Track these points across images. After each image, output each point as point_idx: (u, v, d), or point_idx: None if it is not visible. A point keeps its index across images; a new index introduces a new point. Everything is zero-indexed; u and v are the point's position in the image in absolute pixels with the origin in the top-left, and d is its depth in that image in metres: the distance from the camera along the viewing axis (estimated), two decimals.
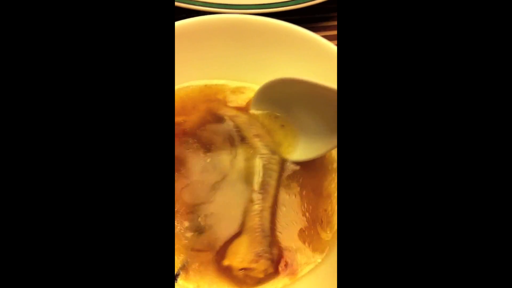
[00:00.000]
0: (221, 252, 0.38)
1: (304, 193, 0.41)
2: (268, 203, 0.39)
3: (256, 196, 0.39)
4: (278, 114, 0.44)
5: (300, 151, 0.42)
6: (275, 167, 0.41)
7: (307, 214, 0.40)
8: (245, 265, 0.36)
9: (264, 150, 0.41)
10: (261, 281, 0.37)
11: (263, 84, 0.41)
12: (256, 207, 0.39)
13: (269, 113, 0.44)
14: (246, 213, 0.39)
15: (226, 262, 0.36)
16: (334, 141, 0.38)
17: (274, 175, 0.40)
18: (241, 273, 0.36)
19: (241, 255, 0.36)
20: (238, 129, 0.42)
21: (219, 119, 0.43)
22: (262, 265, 0.36)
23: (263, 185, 0.39)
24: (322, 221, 0.40)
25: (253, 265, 0.36)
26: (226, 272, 0.37)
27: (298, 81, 0.37)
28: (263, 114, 0.44)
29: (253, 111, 0.44)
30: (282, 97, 0.41)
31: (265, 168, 0.40)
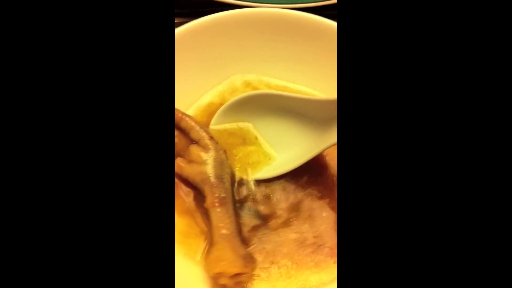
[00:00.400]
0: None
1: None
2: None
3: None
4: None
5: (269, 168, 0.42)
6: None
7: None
8: (237, 270, 0.33)
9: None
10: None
11: (231, 100, 0.41)
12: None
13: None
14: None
15: (216, 270, 0.33)
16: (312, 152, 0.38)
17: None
18: (233, 280, 0.33)
19: (227, 261, 0.33)
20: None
21: None
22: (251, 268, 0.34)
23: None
24: None
25: (245, 269, 0.33)
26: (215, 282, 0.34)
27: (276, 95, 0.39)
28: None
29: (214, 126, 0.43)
30: (251, 111, 0.42)
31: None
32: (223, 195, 0.38)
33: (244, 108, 0.42)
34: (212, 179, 0.39)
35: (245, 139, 0.43)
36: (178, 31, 0.42)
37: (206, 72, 0.46)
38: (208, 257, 0.34)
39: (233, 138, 0.43)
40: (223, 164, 0.40)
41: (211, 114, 0.44)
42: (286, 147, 0.42)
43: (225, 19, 0.43)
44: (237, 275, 0.33)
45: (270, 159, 0.42)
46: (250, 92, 0.42)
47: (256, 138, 0.43)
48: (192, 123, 0.41)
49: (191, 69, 0.44)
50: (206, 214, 0.38)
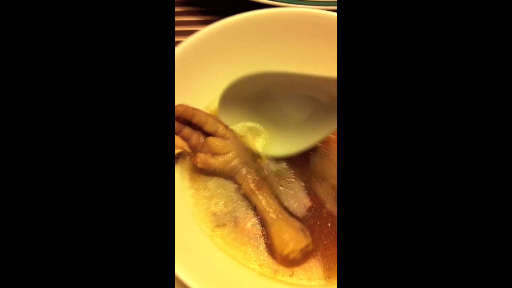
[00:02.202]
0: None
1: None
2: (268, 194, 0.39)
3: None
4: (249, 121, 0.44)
5: (280, 146, 0.43)
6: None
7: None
8: (304, 244, 0.35)
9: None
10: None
11: (229, 84, 0.40)
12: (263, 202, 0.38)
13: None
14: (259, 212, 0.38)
15: (287, 251, 0.35)
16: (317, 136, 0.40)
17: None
18: (301, 253, 0.36)
19: (293, 240, 0.35)
20: None
21: None
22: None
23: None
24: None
25: (308, 239, 0.36)
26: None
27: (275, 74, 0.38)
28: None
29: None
30: (251, 96, 0.41)
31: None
32: (257, 178, 0.39)
33: (245, 91, 0.42)
34: (241, 166, 0.40)
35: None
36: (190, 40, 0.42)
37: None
38: (274, 243, 0.36)
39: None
40: (246, 149, 0.41)
41: None
42: (292, 128, 0.43)
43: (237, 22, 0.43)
44: (304, 248, 0.36)
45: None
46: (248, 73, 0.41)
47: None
48: (205, 116, 0.41)
49: (204, 72, 0.44)
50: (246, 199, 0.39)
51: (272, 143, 0.43)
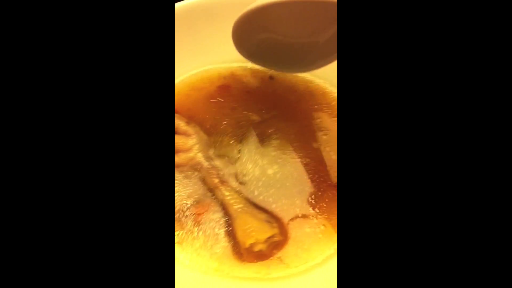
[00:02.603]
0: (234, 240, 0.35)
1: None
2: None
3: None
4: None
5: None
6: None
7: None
8: (267, 234, 0.34)
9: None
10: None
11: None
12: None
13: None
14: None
15: (250, 241, 0.34)
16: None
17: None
18: (266, 244, 0.34)
19: (255, 229, 0.34)
20: None
21: None
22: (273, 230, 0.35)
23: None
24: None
25: (274, 230, 0.34)
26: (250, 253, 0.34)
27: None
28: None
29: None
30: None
31: None
32: (221, 173, 0.38)
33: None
34: (204, 162, 0.39)
35: None
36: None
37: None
38: (237, 234, 0.35)
39: None
40: (208, 144, 0.40)
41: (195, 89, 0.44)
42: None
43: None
44: (268, 238, 0.34)
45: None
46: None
47: None
48: None
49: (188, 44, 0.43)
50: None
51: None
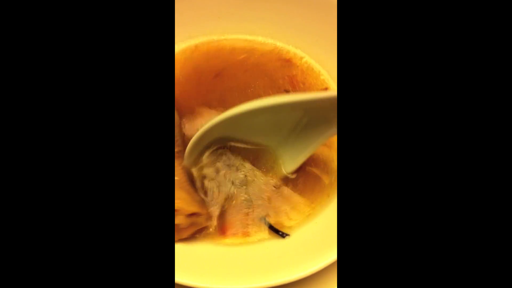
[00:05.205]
0: None
1: None
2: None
3: None
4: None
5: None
6: None
7: None
8: (193, 209, 0.36)
9: None
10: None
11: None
12: None
13: None
14: None
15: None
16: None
17: None
18: (187, 220, 0.35)
19: (183, 199, 0.35)
20: None
21: None
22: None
23: None
24: None
25: (200, 210, 0.36)
26: None
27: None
28: None
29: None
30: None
31: None
32: (178, 149, 0.41)
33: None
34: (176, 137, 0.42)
35: None
36: None
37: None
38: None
39: None
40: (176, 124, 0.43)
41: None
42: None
43: None
44: (192, 215, 0.35)
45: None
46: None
47: None
48: None
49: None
50: None
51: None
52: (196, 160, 0.40)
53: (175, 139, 0.40)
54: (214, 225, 0.38)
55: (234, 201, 0.39)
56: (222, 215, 0.38)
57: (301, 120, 0.36)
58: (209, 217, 0.38)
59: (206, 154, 0.40)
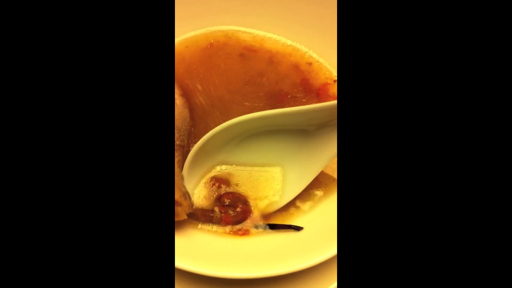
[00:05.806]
0: None
1: None
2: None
3: None
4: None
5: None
6: None
7: None
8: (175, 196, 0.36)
9: None
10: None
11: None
12: None
13: None
14: None
15: None
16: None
17: None
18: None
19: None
20: None
21: None
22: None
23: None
24: None
25: (182, 201, 0.37)
26: None
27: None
28: None
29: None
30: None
31: None
32: (178, 142, 0.44)
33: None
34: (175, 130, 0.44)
35: None
36: None
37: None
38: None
39: None
40: (185, 120, 0.48)
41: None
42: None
43: None
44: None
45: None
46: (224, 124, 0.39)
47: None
48: None
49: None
50: None
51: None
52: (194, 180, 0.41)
53: (180, 133, 0.42)
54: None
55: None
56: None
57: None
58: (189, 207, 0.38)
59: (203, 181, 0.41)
